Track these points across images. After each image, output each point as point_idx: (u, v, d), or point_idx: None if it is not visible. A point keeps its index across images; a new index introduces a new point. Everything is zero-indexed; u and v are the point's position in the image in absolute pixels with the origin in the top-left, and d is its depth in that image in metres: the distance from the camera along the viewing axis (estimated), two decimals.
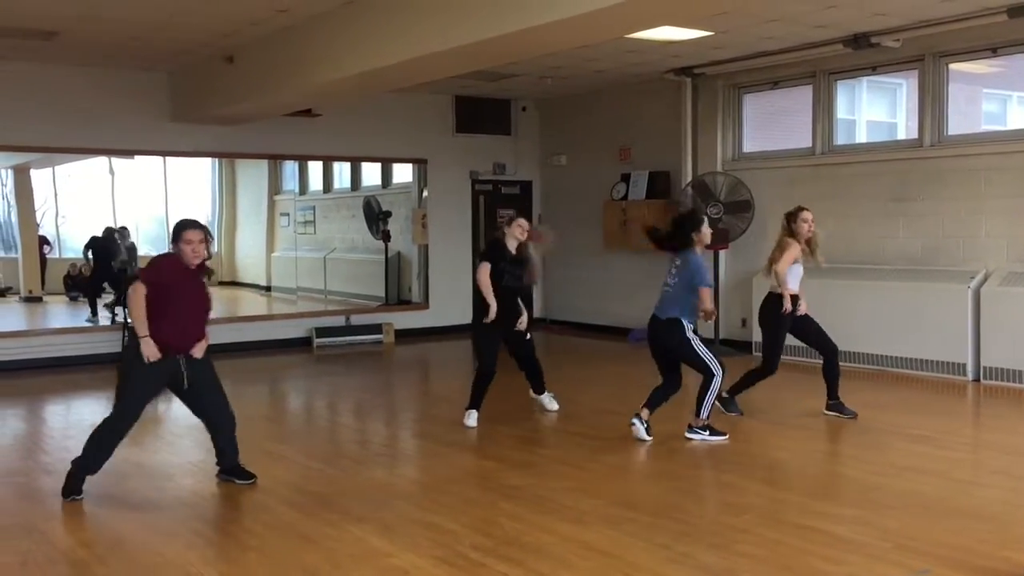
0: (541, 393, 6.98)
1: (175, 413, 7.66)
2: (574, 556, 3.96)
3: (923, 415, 6.81)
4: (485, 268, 6.38)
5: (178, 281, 4.90)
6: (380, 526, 4.40)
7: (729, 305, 10.12)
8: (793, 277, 6.49)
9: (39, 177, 15.70)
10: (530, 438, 6.30)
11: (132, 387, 4.95)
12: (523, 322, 6.64)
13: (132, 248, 12.69)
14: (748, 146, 10.25)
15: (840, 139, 9.47)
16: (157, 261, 5.13)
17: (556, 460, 5.60)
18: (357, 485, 5.17)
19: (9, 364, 9.22)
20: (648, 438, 5.91)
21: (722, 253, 10.05)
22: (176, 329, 4.87)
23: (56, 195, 16.20)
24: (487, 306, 6.31)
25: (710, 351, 6.03)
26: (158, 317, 4.83)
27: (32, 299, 14.54)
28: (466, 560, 3.93)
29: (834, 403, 6.61)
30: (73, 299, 13.72)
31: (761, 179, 9.79)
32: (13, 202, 17.13)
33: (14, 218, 15.92)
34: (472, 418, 6.48)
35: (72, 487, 4.81)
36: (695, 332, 5.96)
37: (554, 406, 6.89)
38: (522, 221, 6.56)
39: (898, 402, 7.20)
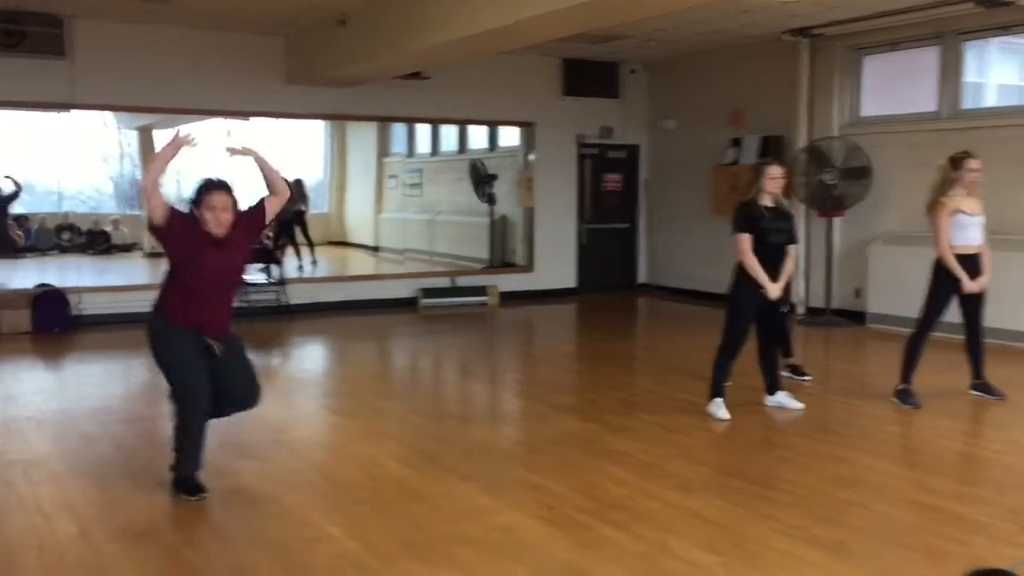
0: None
1: (289, 366, 7.94)
2: (680, 524, 3.94)
3: None
4: (745, 240, 5.57)
5: (198, 251, 4.09)
6: (485, 485, 4.46)
7: (843, 274, 9.82)
8: (959, 228, 5.86)
9: (162, 138, 16.35)
10: (633, 402, 6.27)
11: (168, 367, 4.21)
12: (777, 289, 5.65)
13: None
14: (867, 110, 9.87)
15: (967, 103, 9.01)
16: (175, 212, 4.13)
17: (660, 426, 5.57)
18: (463, 443, 5.25)
19: (135, 316, 9.66)
20: (798, 378, 6.61)
21: (836, 220, 9.74)
22: (202, 312, 4.14)
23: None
24: (758, 285, 5.56)
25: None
26: (176, 292, 4.16)
27: (155, 255, 15.21)
28: (571, 522, 3.96)
29: (980, 383, 6.21)
30: None
31: (881, 144, 9.43)
32: (138, 162, 17.94)
33: (139, 177, 16.66)
34: (721, 408, 5.73)
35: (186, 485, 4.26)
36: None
37: (795, 405, 5.93)
38: (773, 170, 5.65)
39: (1021, 377, 6.87)
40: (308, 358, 8.56)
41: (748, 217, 5.67)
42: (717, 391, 5.82)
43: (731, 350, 5.82)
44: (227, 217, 4.11)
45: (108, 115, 15.92)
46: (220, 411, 4.38)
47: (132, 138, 18.02)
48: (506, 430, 5.76)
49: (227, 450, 4.92)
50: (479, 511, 4.12)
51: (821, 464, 4.81)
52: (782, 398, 6.00)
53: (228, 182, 4.20)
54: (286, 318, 9.91)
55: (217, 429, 4.90)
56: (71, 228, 17.20)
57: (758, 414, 5.89)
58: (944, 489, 4.41)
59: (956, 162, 5.97)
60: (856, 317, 9.55)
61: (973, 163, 5.94)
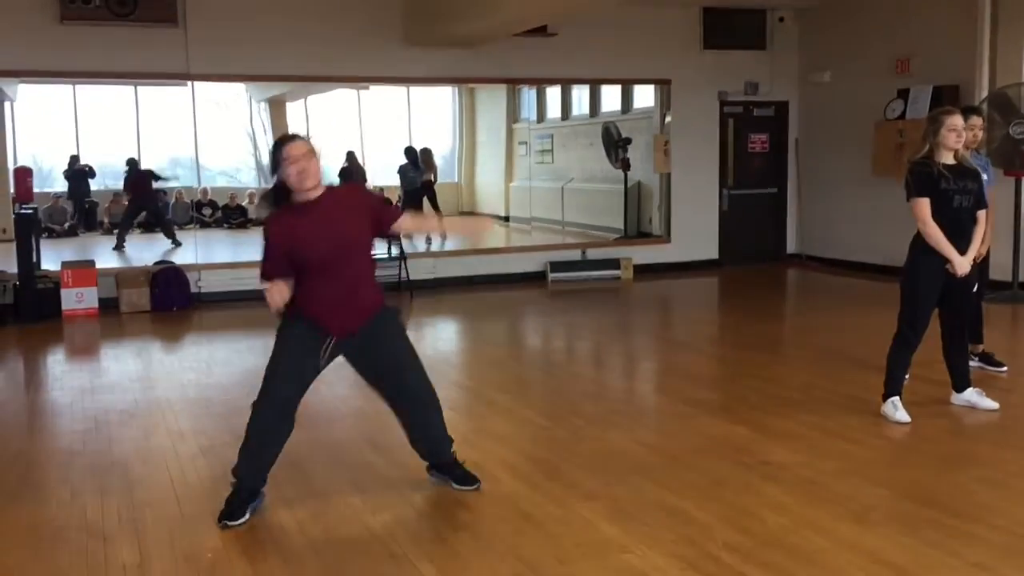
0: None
1: None
2: (859, 571, 3.08)
3: None
4: (924, 207, 4.65)
5: (301, 236, 3.47)
6: (613, 507, 3.71)
7: None
8: None
9: (293, 111, 16.16)
10: (790, 399, 5.36)
11: (271, 362, 3.75)
12: (966, 263, 4.71)
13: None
14: None
15: None
16: (264, 231, 3.60)
17: (826, 431, 4.66)
18: (588, 451, 4.50)
19: (255, 293, 9.34)
20: (991, 368, 5.72)
21: None
22: (330, 306, 3.58)
23: (308, 127, 16.66)
24: (942, 260, 4.68)
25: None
26: (303, 296, 3.59)
27: None
28: (718, 566, 3.16)
29: None
30: None
31: None
32: (270, 135, 17.87)
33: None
34: (899, 409, 4.77)
35: (232, 509, 3.63)
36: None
37: (988, 404, 4.95)
38: (954, 120, 4.66)
39: None
40: (423, 341, 7.94)
41: (925, 178, 4.68)
42: (894, 388, 4.86)
43: (910, 338, 4.83)
44: (313, 166, 3.48)
45: (240, 87, 15.83)
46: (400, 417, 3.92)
47: (264, 110, 17.95)
48: (639, 433, 4.93)
49: (312, 454, 4.34)
50: (603, 545, 3.37)
51: None
52: (972, 396, 4.99)
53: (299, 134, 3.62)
54: (407, 295, 9.38)
55: (298, 428, 4.25)
56: (211, 203, 17.30)
57: (944, 416, 4.90)
58: None
59: None
60: None
61: None
